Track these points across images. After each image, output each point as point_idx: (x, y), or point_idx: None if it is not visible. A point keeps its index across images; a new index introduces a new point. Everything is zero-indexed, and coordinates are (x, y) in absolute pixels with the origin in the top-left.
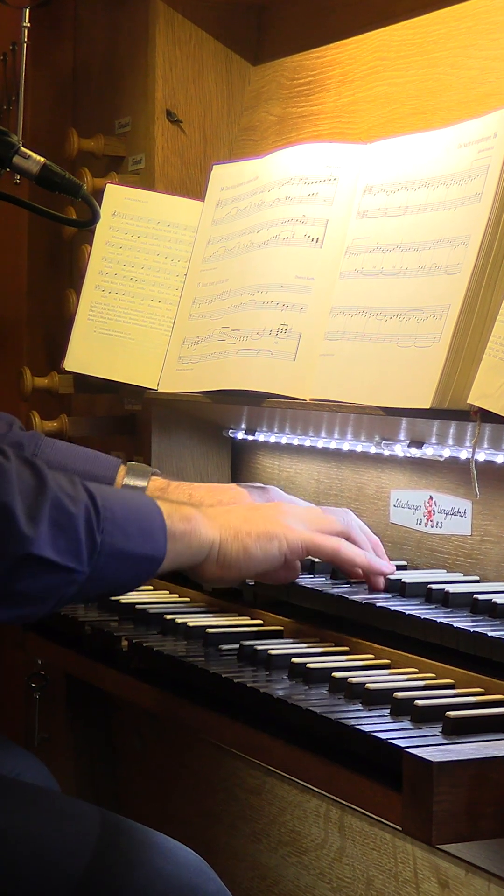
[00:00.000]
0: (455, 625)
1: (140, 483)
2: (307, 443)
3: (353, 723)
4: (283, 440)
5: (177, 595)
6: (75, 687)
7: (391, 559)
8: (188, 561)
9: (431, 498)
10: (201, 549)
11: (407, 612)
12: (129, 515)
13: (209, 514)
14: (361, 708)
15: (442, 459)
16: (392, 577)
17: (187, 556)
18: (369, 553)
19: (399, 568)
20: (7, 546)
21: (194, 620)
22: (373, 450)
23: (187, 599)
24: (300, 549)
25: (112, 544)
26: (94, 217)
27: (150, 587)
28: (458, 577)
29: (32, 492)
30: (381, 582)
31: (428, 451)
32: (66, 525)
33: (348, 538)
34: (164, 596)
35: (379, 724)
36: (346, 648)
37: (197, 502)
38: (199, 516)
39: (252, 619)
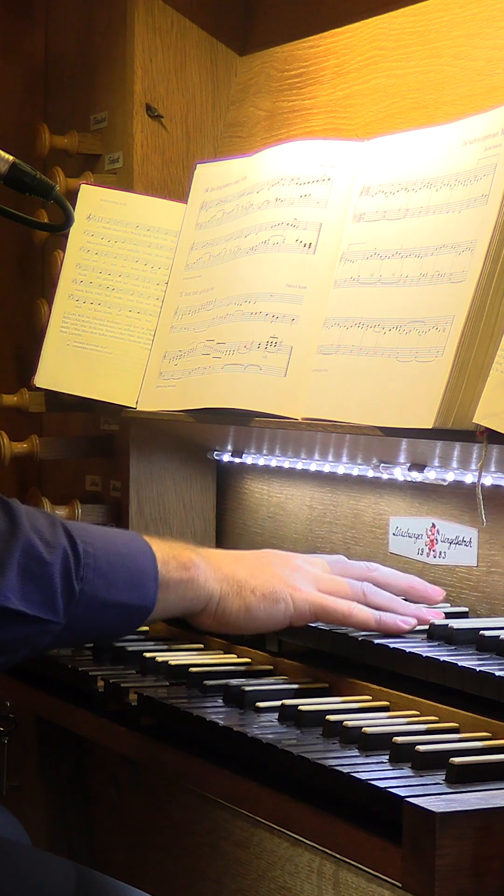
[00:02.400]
0: (459, 663)
1: None
2: (299, 466)
3: (348, 770)
4: (273, 463)
5: (158, 631)
6: (47, 730)
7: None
8: (183, 611)
9: (434, 526)
10: (198, 600)
11: (407, 650)
12: (115, 561)
13: (212, 562)
14: (358, 754)
15: (445, 484)
16: None
17: (181, 607)
18: (383, 613)
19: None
20: None
21: (176, 658)
22: (370, 473)
23: (165, 634)
24: (308, 615)
25: (92, 594)
26: (67, 220)
27: None
28: (463, 611)
29: (2, 537)
30: (402, 628)
31: (430, 475)
32: (38, 573)
33: (363, 600)
34: (141, 630)
35: (377, 772)
36: (341, 689)
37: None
38: (201, 564)
39: (238, 656)
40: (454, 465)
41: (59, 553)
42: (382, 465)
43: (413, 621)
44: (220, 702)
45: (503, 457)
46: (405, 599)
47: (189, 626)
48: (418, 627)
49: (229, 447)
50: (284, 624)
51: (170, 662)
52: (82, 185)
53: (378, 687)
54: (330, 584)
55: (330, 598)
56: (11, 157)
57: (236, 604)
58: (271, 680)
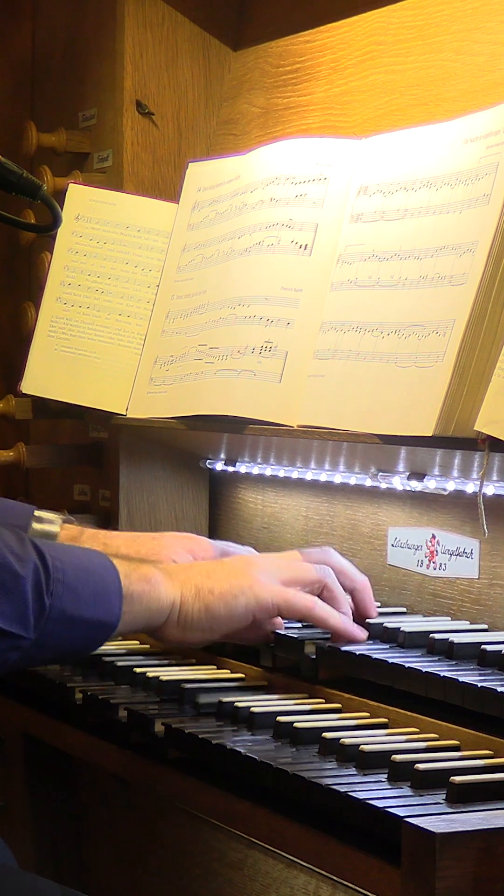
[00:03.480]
0: (460, 679)
1: (52, 529)
2: (294, 475)
3: (345, 789)
4: (268, 472)
5: (148, 645)
6: (34, 747)
7: (388, 605)
8: (147, 624)
9: (434, 537)
10: (161, 610)
11: (406, 665)
12: (82, 576)
13: (169, 572)
14: (355, 772)
15: (446, 493)
16: (390, 625)
17: (145, 619)
18: (344, 616)
19: (398, 615)
20: None
21: (167, 674)
22: (368, 483)
23: (158, 649)
24: (269, 607)
25: (61, 609)
26: (54, 221)
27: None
28: (464, 625)
29: None
30: (357, 637)
31: (430, 485)
32: (11, 588)
33: (324, 589)
34: (132, 645)
35: (375, 791)
36: (337, 705)
37: (113, 552)
38: (159, 575)
39: (232, 671)
40: (455, 473)
41: (31, 567)
42: (381, 473)
43: (364, 634)
44: (213, 719)
45: None
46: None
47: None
48: (416, 642)
49: (222, 455)
50: (248, 620)
51: (161, 678)
52: (70, 185)
53: (376, 703)
54: (291, 569)
55: (292, 590)
56: None
57: (196, 606)
58: (266, 696)
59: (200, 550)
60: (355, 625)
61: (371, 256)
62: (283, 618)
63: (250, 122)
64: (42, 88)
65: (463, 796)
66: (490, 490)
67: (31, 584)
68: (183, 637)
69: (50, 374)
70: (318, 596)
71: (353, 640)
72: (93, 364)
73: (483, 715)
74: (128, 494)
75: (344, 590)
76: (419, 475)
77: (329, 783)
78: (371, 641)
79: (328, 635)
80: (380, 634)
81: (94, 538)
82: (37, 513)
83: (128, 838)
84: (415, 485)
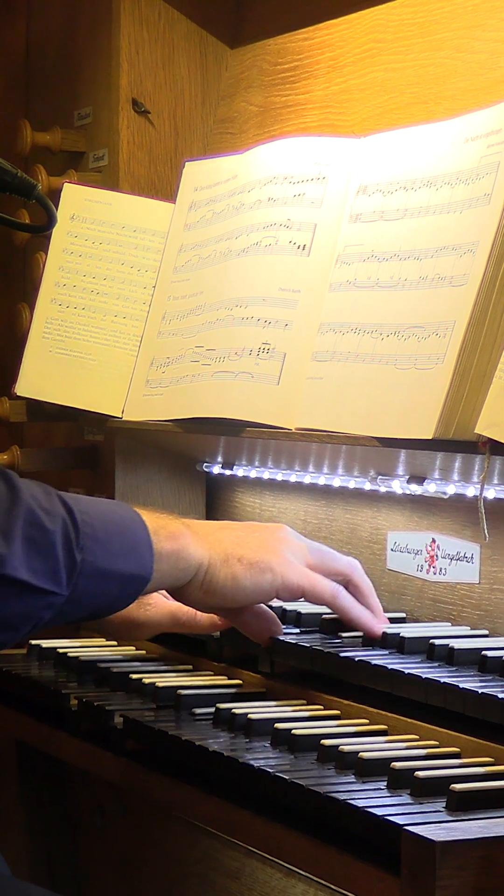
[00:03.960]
0: (461, 685)
1: None
2: (292, 478)
3: (344, 797)
4: (266, 475)
5: (144, 651)
6: (28, 755)
7: (388, 610)
8: (173, 582)
9: (434, 541)
10: (188, 570)
11: (406, 671)
12: (111, 529)
13: (198, 532)
14: (354, 780)
15: (446, 497)
16: (390, 630)
17: (172, 578)
18: (365, 610)
19: (397, 620)
20: None
21: (164, 680)
22: (367, 486)
23: (154, 655)
24: (295, 588)
25: (93, 563)
26: (49, 221)
27: (114, 642)
28: (465, 630)
29: (4, 505)
30: (376, 632)
31: (430, 488)
32: (41, 543)
33: (350, 580)
34: (128, 651)
35: (374, 799)
36: (336, 712)
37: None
38: (188, 533)
39: (229, 678)
40: (455, 477)
41: (59, 522)
42: (380, 477)
43: (381, 629)
44: (209, 725)
45: None
46: None
47: (177, 647)
48: (416, 648)
49: (219, 459)
50: (271, 595)
51: (157, 684)
52: (65, 184)
53: (375, 710)
54: (320, 556)
55: (318, 575)
56: None
57: (223, 573)
58: (264, 703)
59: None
60: (375, 619)
61: (370, 257)
62: (305, 600)
63: (248, 120)
64: (36, 86)
65: (463, 804)
66: (491, 494)
67: (60, 538)
68: (204, 600)
69: (45, 376)
70: (343, 587)
71: (370, 635)
72: (88, 366)
73: (484, 722)
74: (123, 498)
75: None
76: (419, 479)
77: (328, 791)
78: (370, 647)
79: (327, 640)
80: (379, 640)
81: None
82: None
83: (123, 847)
84: (415, 488)
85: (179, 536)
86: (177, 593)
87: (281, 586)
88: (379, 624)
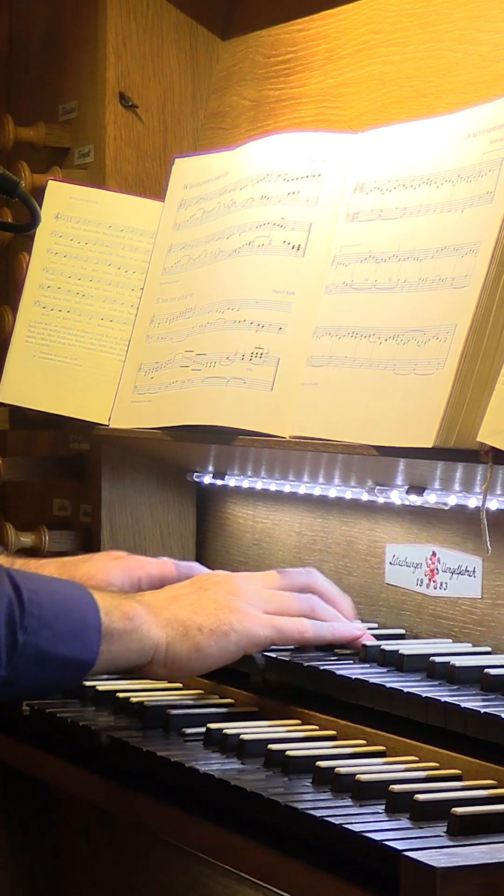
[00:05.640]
0: (462, 704)
1: None
2: (287, 488)
3: (341, 821)
4: (259, 485)
5: None
6: (11, 777)
7: (386, 626)
8: (128, 663)
9: (434, 554)
10: (143, 651)
11: (405, 690)
12: (59, 611)
13: (153, 608)
14: (351, 803)
15: (447, 508)
16: (388, 647)
17: (125, 659)
18: (335, 624)
19: (396, 637)
20: None
21: (152, 699)
22: (365, 497)
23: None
24: (263, 641)
25: (36, 645)
26: (33, 220)
27: None
28: (467, 647)
29: None
30: (356, 636)
31: (430, 499)
32: None
33: (313, 589)
34: None
35: (372, 823)
36: (332, 732)
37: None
38: (143, 612)
39: (221, 696)
40: (456, 487)
41: (4, 601)
42: (378, 487)
43: (363, 628)
44: (200, 746)
45: None
46: None
47: None
48: (416, 666)
49: (210, 468)
50: (239, 655)
51: (145, 703)
52: (50, 182)
53: (373, 730)
54: (276, 601)
55: (279, 618)
56: None
57: (185, 646)
58: (256, 722)
59: (137, 569)
60: (349, 624)
61: (368, 257)
62: (275, 646)
63: (240, 115)
64: (19, 80)
65: (465, 829)
66: (494, 505)
67: (3, 618)
68: (170, 676)
69: (28, 381)
70: None
71: (353, 640)
72: (73, 371)
73: (486, 742)
74: (110, 509)
75: None
76: (419, 489)
77: (323, 815)
78: (368, 665)
79: (322, 657)
80: (377, 657)
81: (24, 567)
82: None
83: (110, 873)
84: (414, 499)
85: (133, 617)
86: (139, 672)
87: (247, 644)
88: (355, 628)
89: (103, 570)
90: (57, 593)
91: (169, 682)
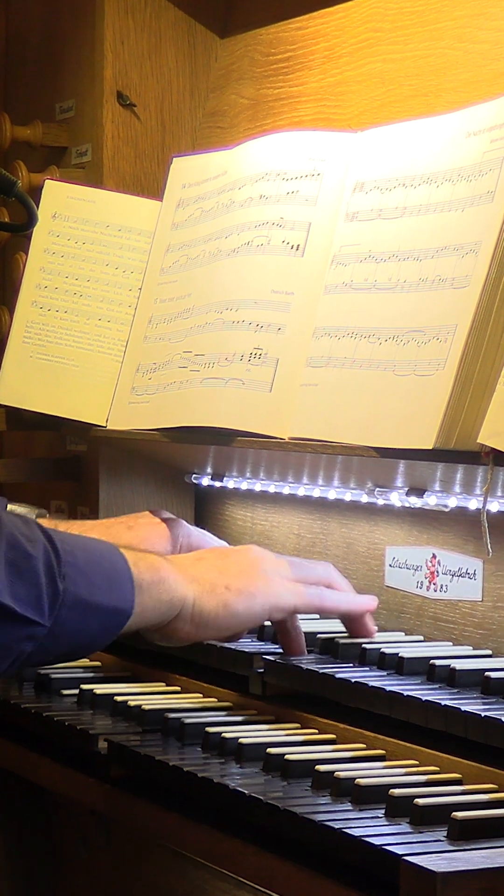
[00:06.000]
0: (463, 708)
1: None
2: (286, 490)
3: (340, 825)
4: (258, 487)
5: (129, 672)
6: (6, 781)
7: (386, 629)
8: (158, 618)
9: (434, 556)
10: (172, 604)
11: (405, 693)
12: (93, 560)
13: (179, 564)
14: (351, 808)
15: (447, 510)
16: (388, 650)
17: (157, 613)
18: (351, 596)
19: (396, 640)
20: None
21: (150, 702)
22: (364, 499)
23: (139, 674)
24: (288, 607)
25: (75, 594)
26: (30, 220)
27: (98, 662)
28: (467, 650)
29: None
30: (372, 628)
31: (430, 501)
32: (24, 568)
33: (330, 584)
34: (112, 671)
35: (372, 828)
36: (332, 736)
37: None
38: (168, 566)
39: (219, 699)
40: (457, 489)
41: (41, 548)
42: (378, 489)
43: (375, 599)
44: (199, 750)
45: None
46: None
47: (161, 666)
48: (416, 669)
49: (209, 470)
50: (265, 617)
51: (144, 707)
52: (47, 181)
53: (372, 734)
54: (298, 569)
55: (301, 585)
56: None
57: (212, 602)
58: (255, 726)
59: (181, 537)
60: (364, 597)
61: (367, 257)
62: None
63: (239, 114)
64: (16, 78)
65: (465, 833)
66: (494, 507)
67: (42, 565)
68: (196, 633)
69: (25, 382)
70: None
71: (368, 609)
72: (71, 372)
73: (487, 746)
74: (108, 511)
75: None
76: (419, 491)
77: (323, 819)
78: (368, 668)
79: (322, 660)
80: (377, 660)
81: (70, 527)
82: (10, 506)
83: (108, 878)
84: (414, 501)
85: (160, 568)
86: (166, 630)
87: (273, 607)
88: (369, 599)
89: (146, 540)
90: (86, 544)
91: (166, 685)
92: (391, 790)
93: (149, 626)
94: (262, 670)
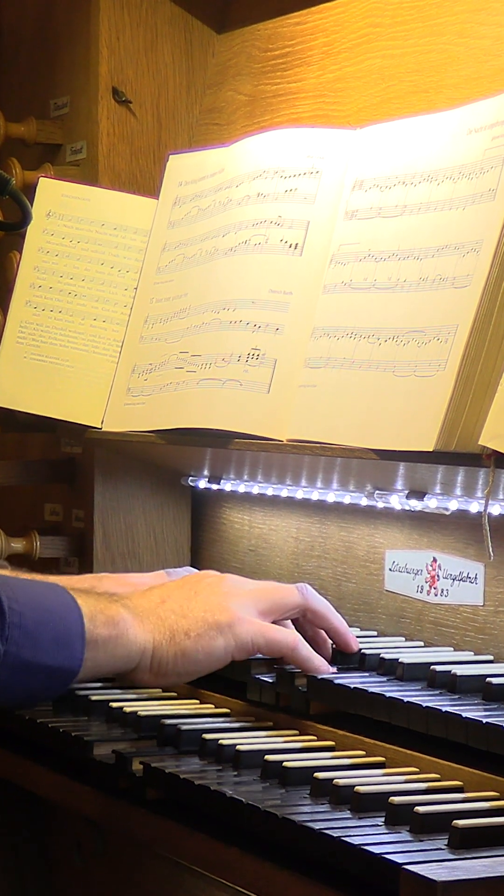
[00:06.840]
0: (464, 714)
1: None
2: (284, 493)
3: (339, 834)
4: (255, 490)
5: None
6: (2, 789)
7: (386, 634)
8: (113, 669)
9: (435, 560)
10: (129, 657)
11: (405, 699)
12: (42, 619)
13: (139, 611)
14: (350, 816)
15: (448, 513)
16: (388, 656)
17: (111, 665)
18: (323, 661)
19: (396, 645)
20: None
21: (146, 708)
22: (364, 502)
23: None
24: (250, 647)
25: (17, 655)
26: (24, 218)
27: None
28: (468, 656)
29: None
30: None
31: (431, 504)
32: None
33: (306, 608)
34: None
35: (371, 836)
36: (331, 743)
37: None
38: (129, 617)
39: (216, 706)
40: (458, 492)
41: None
42: (377, 492)
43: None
44: (195, 758)
45: None
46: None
47: None
48: (416, 675)
49: (206, 472)
50: (227, 661)
51: (139, 713)
52: (41, 179)
53: (372, 741)
54: (271, 599)
55: (271, 629)
56: None
57: (171, 651)
58: (253, 733)
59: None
60: (321, 660)
61: (367, 256)
62: (262, 655)
63: (236, 110)
64: (10, 74)
65: (467, 841)
66: (496, 510)
67: None
68: (156, 682)
69: (19, 383)
70: (301, 618)
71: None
72: (65, 373)
73: (488, 753)
74: (103, 514)
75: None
76: (419, 494)
77: (321, 827)
78: (367, 673)
79: None
80: (377, 666)
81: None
82: None
83: (103, 887)
84: (414, 504)
85: (119, 622)
86: (124, 678)
87: (235, 649)
88: (324, 668)
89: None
90: (39, 599)
91: (163, 691)
92: (391, 798)
93: (103, 676)
94: (259, 676)
